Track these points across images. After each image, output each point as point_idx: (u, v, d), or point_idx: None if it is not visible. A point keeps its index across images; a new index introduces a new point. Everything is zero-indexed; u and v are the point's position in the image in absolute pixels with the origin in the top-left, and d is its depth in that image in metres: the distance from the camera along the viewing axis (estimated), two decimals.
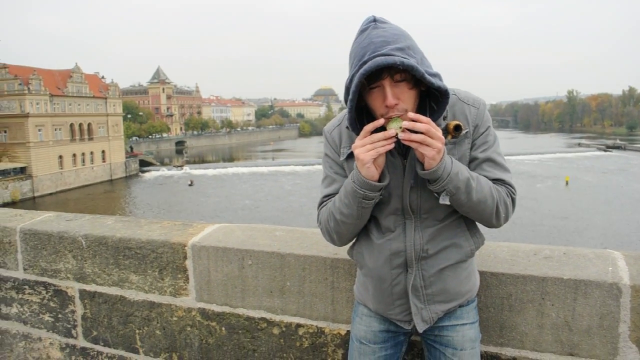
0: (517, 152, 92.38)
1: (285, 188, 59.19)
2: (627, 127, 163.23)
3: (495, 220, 1.65)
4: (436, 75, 1.50)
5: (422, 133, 1.44)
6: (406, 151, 1.63)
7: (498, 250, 2.12)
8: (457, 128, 1.56)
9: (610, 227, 37.63)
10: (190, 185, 62.86)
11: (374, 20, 1.52)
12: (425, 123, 1.44)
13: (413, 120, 1.44)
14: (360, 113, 1.59)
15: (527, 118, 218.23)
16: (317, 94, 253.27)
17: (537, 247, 2.13)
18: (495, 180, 1.65)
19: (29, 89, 59.76)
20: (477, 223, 1.77)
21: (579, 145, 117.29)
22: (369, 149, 1.49)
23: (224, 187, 61.48)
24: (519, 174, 62.29)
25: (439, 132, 1.46)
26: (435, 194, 1.59)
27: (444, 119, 1.62)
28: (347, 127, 1.65)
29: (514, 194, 1.68)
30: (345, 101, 1.53)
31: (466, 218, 1.73)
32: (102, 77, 77.42)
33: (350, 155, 1.69)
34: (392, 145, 1.49)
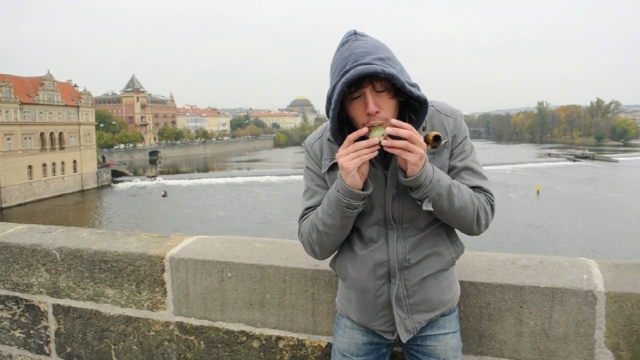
0: (490, 162, 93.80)
1: (261, 199, 58.86)
2: (595, 137, 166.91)
3: (476, 227, 1.68)
4: (415, 85, 1.53)
5: (404, 139, 1.46)
6: (387, 162, 1.65)
7: (476, 260, 2.15)
8: (437, 139, 1.58)
9: (581, 236, 38.32)
10: (164, 196, 62.10)
11: (355, 33, 1.55)
12: (407, 129, 1.46)
13: (395, 127, 1.47)
14: (341, 125, 1.60)
15: (499, 129, 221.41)
16: (293, 105, 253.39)
17: (515, 257, 2.16)
18: (474, 188, 1.69)
19: None
20: (456, 231, 1.80)
21: (549, 155, 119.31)
22: (352, 157, 1.50)
23: (199, 197, 60.89)
24: (492, 184, 62.26)
25: (420, 139, 1.48)
26: (418, 202, 1.61)
27: (423, 129, 1.64)
28: (328, 139, 1.66)
29: (492, 201, 1.71)
30: (327, 112, 1.55)
31: (447, 227, 1.76)
32: (75, 85, 76.23)
33: (332, 168, 1.72)
34: (376, 153, 1.51)
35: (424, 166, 1.52)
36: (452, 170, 1.71)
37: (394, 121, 1.48)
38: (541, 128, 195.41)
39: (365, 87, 1.50)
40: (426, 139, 1.57)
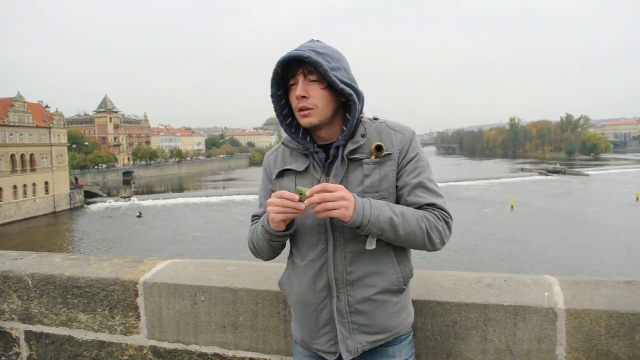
0: (464, 177, 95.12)
1: (237, 218, 58.05)
2: (566, 151, 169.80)
3: (429, 246, 1.68)
4: (348, 83, 1.65)
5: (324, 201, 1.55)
6: (328, 168, 1.73)
7: (443, 279, 2.21)
8: (379, 148, 1.69)
9: (554, 250, 38.76)
10: (138, 216, 61.17)
11: (312, 40, 1.73)
12: (316, 194, 1.54)
13: (310, 200, 1.55)
14: (290, 116, 1.79)
15: (472, 145, 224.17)
16: (268, 123, 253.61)
17: (480, 275, 2.23)
18: (428, 205, 1.69)
19: None
20: (408, 253, 1.81)
21: (522, 170, 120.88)
22: (279, 211, 1.60)
23: (174, 218, 60.08)
24: (467, 199, 63.93)
25: (336, 192, 1.54)
26: (364, 236, 1.65)
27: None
28: (282, 143, 1.86)
29: (447, 217, 1.70)
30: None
31: (395, 246, 1.74)
32: (46, 106, 75.14)
33: (280, 174, 1.82)
34: (302, 213, 1.60)
35: (355, 210, 1.56)
36: (405, 187, 1.71)
37: (310, 191, 1.55)
38: (513, 143, 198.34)
39: (298, 74, 1.65)
40: (370, 150, 1.69)
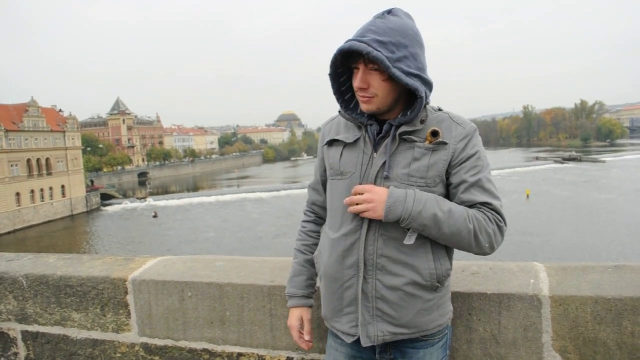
0: None
1: (252, 217, 58.08)
2: (581, 138, 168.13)
3: (476, 248, 1.62)
4: (416, 76, 1.56)
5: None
6: (378, 143, 1.67)
7: None
8: (434, 134, 1.63)
9: (567, 239, 38.36)
10: (154, 217, 61.61)
11: (389, 11, 1.60)
12: (358, 193, 1.62)
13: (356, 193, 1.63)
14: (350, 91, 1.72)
15: (486, 134, 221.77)
16: (280, 119, 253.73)
17: (466, 264, 2.21)
18: (482, 204, 1.63)
19: None
20: (446, 249, 1.72)
21: (537, 159, 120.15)
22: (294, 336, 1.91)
23: (189, 218, 60.34)
24: None
25: (363, 194, 1.60)
26: (406, 229, 1.61)
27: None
28: (338, 112, 1.76)
29: (500, 221, 1.63)
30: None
31: (433, 240, 1.66)
32: (60, 110, 75.84)
33: (330, 143, 1.79)
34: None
35: (385, 209, 1.56)
36: (461, 184, 1.64)
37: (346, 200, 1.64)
38: (527, 132, 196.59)
39: (359, 62, 1.57)
40: (426, 136, 1.64)
